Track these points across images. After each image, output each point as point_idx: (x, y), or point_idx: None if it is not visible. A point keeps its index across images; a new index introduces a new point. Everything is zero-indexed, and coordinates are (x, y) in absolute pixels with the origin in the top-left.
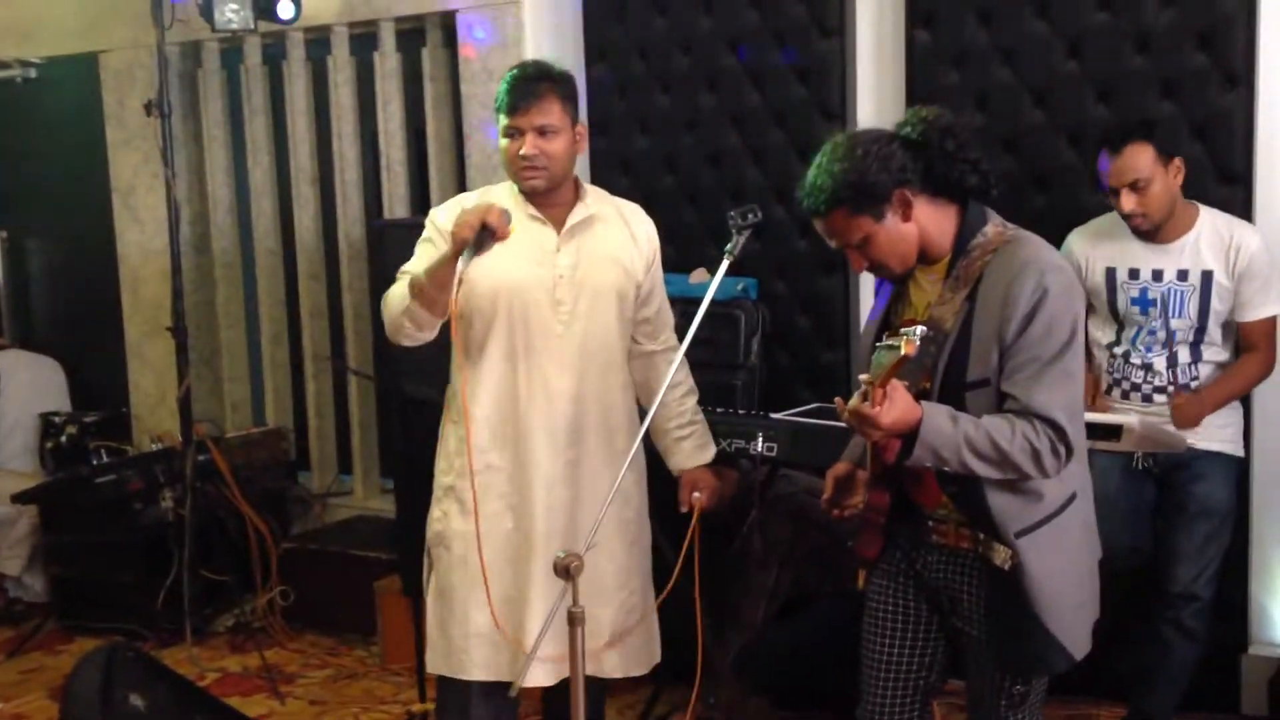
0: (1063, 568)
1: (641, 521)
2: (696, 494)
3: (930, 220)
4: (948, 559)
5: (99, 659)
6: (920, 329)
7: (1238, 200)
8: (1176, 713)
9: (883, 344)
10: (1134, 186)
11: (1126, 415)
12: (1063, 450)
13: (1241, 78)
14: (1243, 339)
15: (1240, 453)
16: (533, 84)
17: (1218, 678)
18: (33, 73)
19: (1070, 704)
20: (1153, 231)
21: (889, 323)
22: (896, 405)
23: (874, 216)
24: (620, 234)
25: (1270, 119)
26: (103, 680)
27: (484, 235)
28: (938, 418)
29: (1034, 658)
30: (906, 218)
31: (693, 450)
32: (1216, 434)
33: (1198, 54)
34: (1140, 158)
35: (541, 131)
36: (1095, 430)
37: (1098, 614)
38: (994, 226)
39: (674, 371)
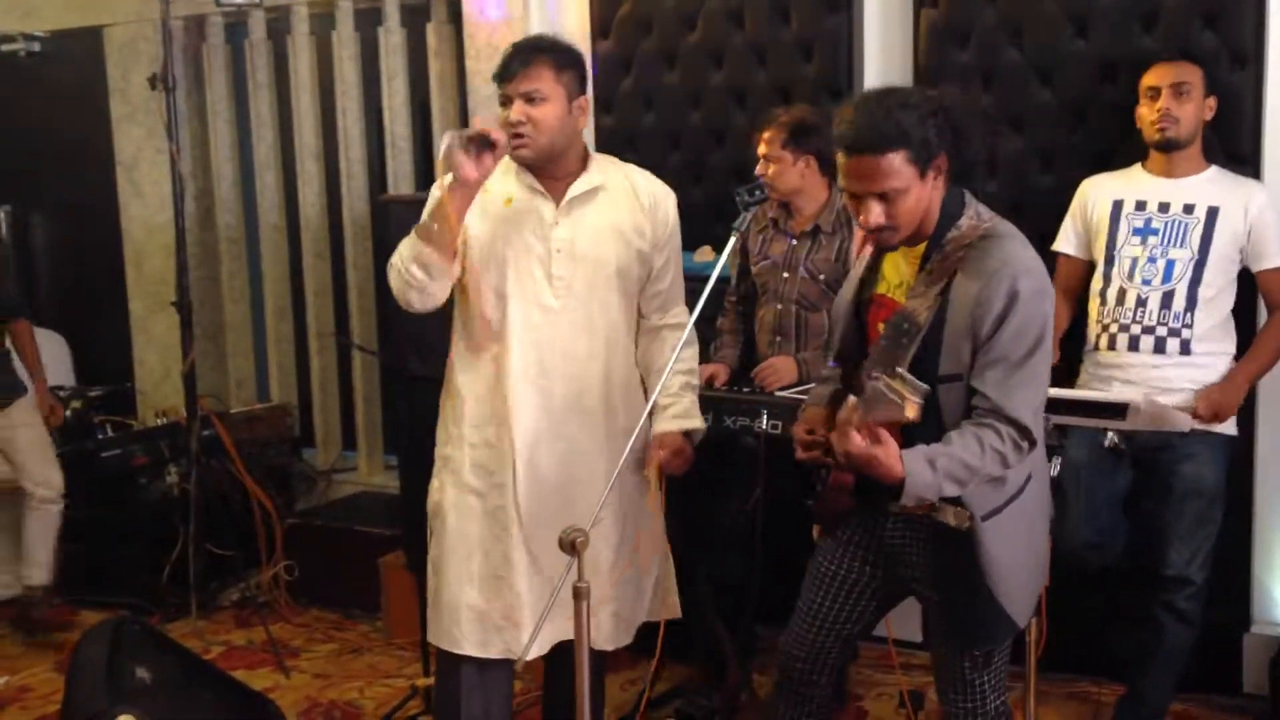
0: (1018, 543)
1: (638, 495)
2: (661, 450)
3: (936, 196)
4: (904, 525)
5: (105, 632)
6: (924, 388)
7: None
8: (1178, 691)
9: (882, 381)
10: (1178, 90)
11: (1132, 394)
12: (1025, 445)
13: (1250, 57)
14: (1265, 296)
15: (1233, 431)
16: (525, 53)
17: (1220, 657)
18: (37, 46)
19: (1071, 683)
20: (1172, 146)
21: (862, 298)
22: (880, 456)
23: (919, 171)
24: (627, 205)
25: (1279, 99)
26: (109, 653)
27: (480, 143)
28: (919, 470)
29: (980, 626)
30: (934, 185)
31: (671, 418)
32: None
33: (1206, 33)
34: (1193, 71)
35: (529, 98)
36: (1101, 410)
37: (1046, 580)
38: (969, 219)
39: (680, 349)
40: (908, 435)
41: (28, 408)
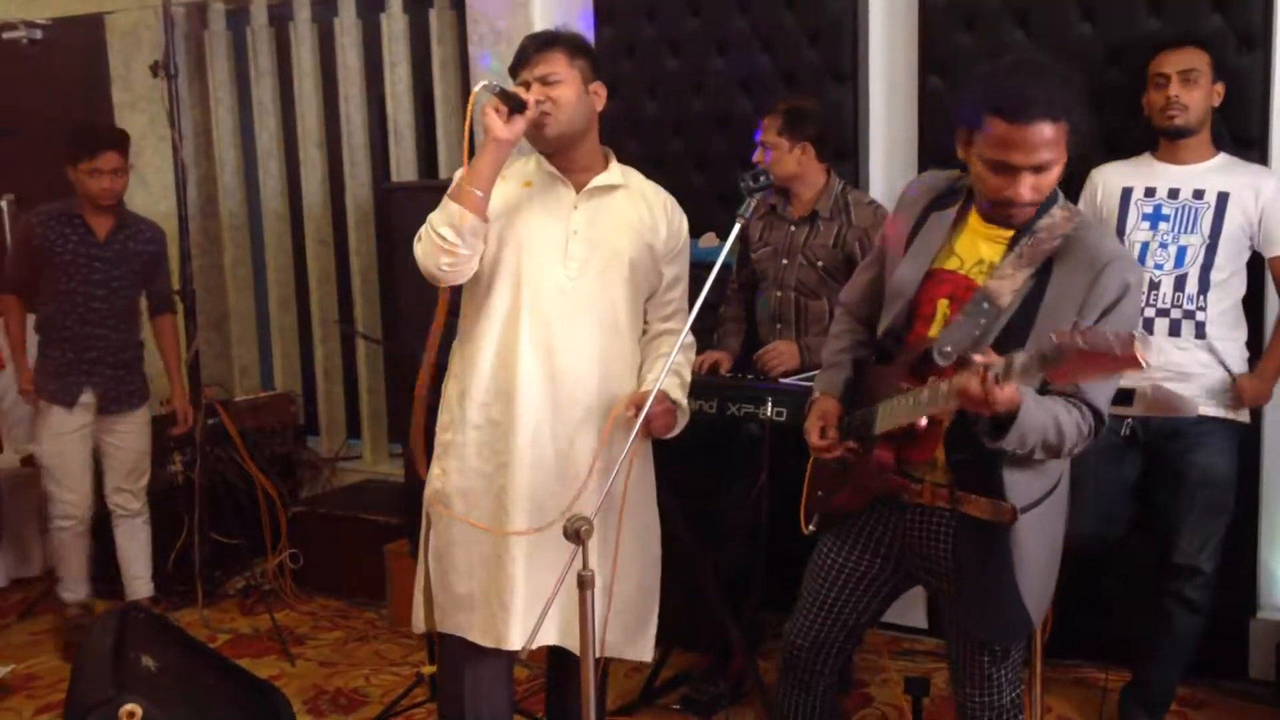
0: (1046, 539)
1: (629, 499)
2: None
3: None
4: (923, 517)
5: (111, 620)
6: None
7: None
8: (1185, 676)
9: (1081, 337)
10: (1185, 76)
11: (1139, 381)
12: (1093, 436)
13: (1259, 40)
14: (1277, 283)
15: (1245, 418)
16: (539, 40)
17: (1226, 643)
18: (38, 34)
19: (1076, 668)
20: (1180, 133)
21: (929, 272)
22: (1012, 394)
23: (1069, 152)
24: (645, 210)
25: None
26: (114, 641)
27: (513, 104)
28: (1031, 404)
29: (1005, 622)
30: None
31: (655, 383)
32: (1222, 397)
33: (1214, 15)
34: (1201, 57)
35: (545, 80)
36: None
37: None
38: (1061, 209)
39: (677, 350)
40: (951, 427)
41: (140, 420)
